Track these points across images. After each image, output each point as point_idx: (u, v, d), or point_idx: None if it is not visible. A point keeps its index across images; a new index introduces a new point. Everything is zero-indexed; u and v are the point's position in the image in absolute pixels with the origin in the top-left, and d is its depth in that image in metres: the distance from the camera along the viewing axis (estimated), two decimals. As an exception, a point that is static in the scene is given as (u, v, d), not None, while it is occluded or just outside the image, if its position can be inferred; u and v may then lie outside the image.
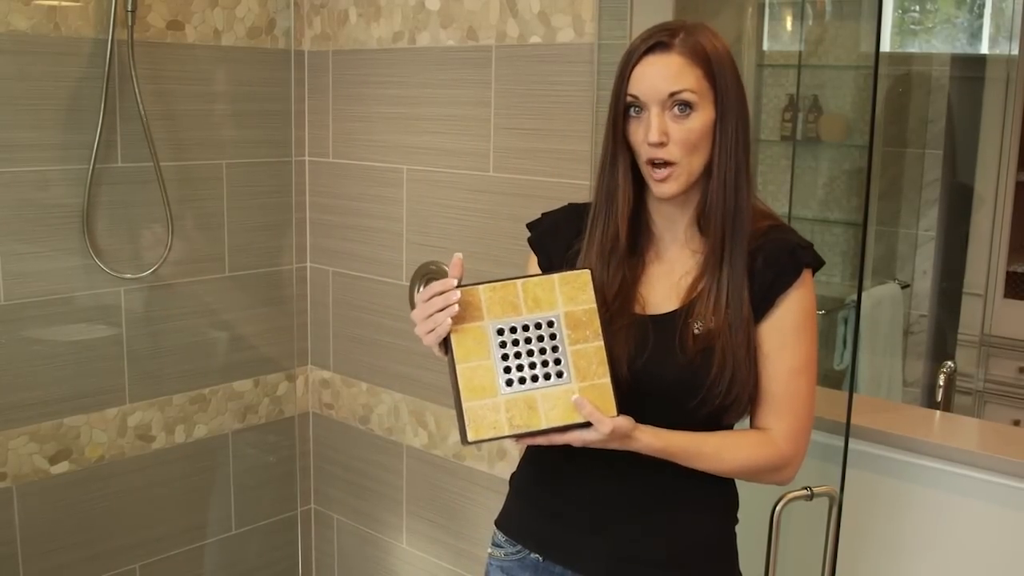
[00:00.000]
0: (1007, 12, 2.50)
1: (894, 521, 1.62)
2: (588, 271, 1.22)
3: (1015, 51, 2.41)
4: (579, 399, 1.19)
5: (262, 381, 2.61)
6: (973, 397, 2.52)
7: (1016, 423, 2.46)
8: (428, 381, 2.38)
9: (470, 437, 1.17)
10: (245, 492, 2.61)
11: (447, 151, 2.25)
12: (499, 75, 2.11)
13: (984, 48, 2.55)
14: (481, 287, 1.19)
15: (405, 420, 2.45)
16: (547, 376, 1.19)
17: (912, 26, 2.72)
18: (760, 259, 1.28)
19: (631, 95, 1.27)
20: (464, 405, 1.18)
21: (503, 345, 1.19)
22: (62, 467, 2.24)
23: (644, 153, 1.28)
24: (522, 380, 1.19)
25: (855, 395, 1.70)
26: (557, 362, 1.20)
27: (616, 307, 1.32)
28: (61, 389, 2.21)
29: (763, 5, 2.53)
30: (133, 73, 2.17)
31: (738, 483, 1.39)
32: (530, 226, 1.48)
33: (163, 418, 2.40)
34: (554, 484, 1.39)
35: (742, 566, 1.41)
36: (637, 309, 1.33)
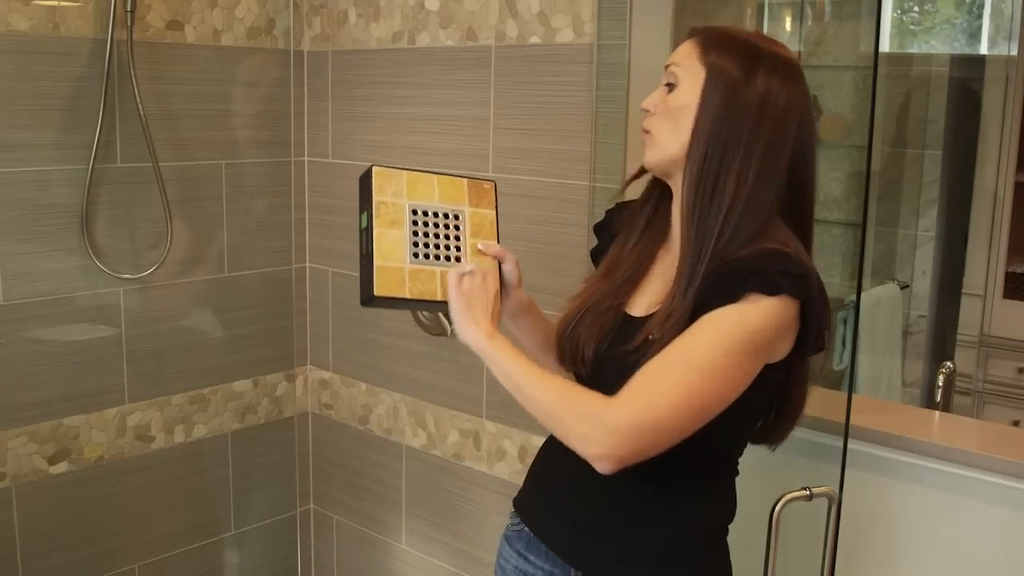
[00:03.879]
0: (1006, 13, 2.49)
1: (893, 521, 1.62)
2: (493, 183, 1.40)
3: (1014, 51, 2.41)
4: (486, 244, 1.35)
5: (261, 381, 2.61)
6: (972, 397, 2.51)
7: (1015, 423, 2.46)
8: (427, 381, 2.38)
9: (376, 292, 1.29)
10: (244, 492, 2.61)
11: (446, 151, 2.24)
12: (498, 75, 2.11)
13: (983, 49, 2.55)
14: (405, 172, 1.36)
15: (404, 420, 2.45)
16: (447, 258, 1.34)
17: (911, 27, 2.72)
18: (714, 275, 1.20)
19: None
20: (376, 264, 1.30)
21: (415, 224, 1.34)
22: (61, 467, 2.24)
23: None
24: (427, 256, 1.33)
25: (854, 395, 1.70)
26: (458, 249, 1.35)
27: (611, 291, 1.35)
28: (60, 389, 2.21)
29: (762, 6, 2.53)
30: (132, 73, 2.17)
31: (736, 484, 1.39)
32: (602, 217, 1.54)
33: (162, 418, 2.40)
34: (553, 465, 1.43)
35: (740, 567, 1.41)
36: (625, 301, 1.35)
